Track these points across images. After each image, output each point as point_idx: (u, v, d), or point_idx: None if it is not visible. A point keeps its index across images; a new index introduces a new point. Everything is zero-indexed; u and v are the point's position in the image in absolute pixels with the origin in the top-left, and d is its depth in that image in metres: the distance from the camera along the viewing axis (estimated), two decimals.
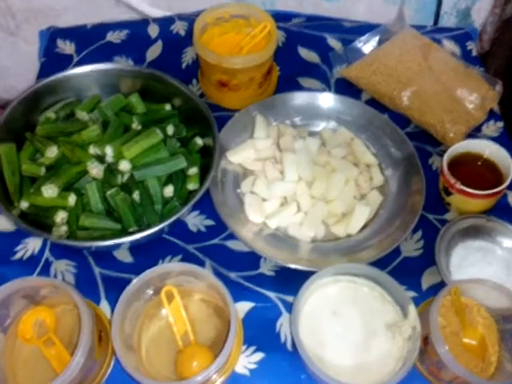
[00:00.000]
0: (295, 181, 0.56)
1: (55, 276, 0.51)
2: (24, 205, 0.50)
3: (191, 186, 0.55)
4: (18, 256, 0.52)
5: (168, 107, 0.60)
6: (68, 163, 0.53)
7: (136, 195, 0.52)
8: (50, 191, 0.49)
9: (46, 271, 0.52)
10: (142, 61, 0.70)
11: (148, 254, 0.52)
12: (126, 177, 0.53)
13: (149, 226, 0.48)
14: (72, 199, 0.50)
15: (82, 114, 0.56)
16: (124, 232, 0.50)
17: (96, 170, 0.51)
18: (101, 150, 0.53)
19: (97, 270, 0.52)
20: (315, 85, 0.68)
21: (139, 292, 0.45)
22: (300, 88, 0.68)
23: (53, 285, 0.44)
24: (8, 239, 0.53)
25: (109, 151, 0.53)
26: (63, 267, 0.52)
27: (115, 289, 0.49)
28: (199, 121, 0.57)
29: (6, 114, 0.52)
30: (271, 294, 0.51)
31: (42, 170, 0.52)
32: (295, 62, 0.71)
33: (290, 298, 0.50)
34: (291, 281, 0.50)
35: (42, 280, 0.45)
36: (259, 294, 0.51)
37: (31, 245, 0.53)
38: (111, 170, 0.53)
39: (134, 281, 0.43)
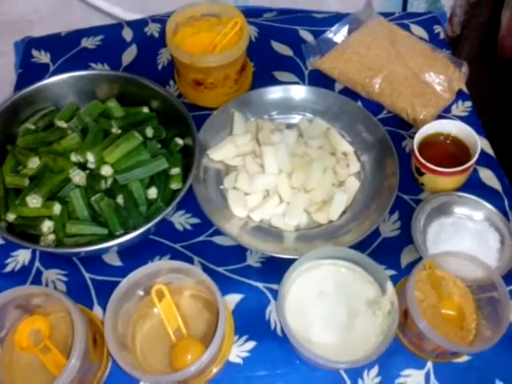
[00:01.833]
0: (275, 173, 0.57)
1: (47, 285, 0.52)
2: (11, 217, 0.51)
3: (174, 185, 0.56)
4: (8, 268, 0.53)
5: (146, 110, 0.61)
6: (50, 172, 0.53)
7: (120, 199, 0.53)
8: (34, 201, 0.50)
9: (37, 281, 0.52)
10: (117, 65, 0.71)
11: (137, 256, 0.54)
12: (109, 182, 0.54)
13: (135, 229, 0.50)
14: (57, 208, 0.51)
15: (61, 123, 0.56)
16: (111, 236, 0.51)
17: (78, 177, 0.52)
18: (82, 157, 0.54)
19: (87, 276, 0.53)
20: (290, 78, 0.70)
21: (129, 293, 0.46)
22: (276, 82, 0.69)
23: (45, 293, 0.45)
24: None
25: (90, 157, 0.54)
26: (54, 276, 0.53)
27: (107, 293, 0.49)
28: (178, 121, 0.58)
29: None
30: (259, 284, 0.52)
31: (26, 181, 0.53)
32: (269, 57, 0.72)
33: (276, 287, 0.52)
34: (277, 270, 0.51)
35: (34, 289, 0.46)
36: (247, 285, 0.52)
37: (21, 257, 0.54)
38: (94, 176, 0.54)
39: (123, 282, 0.44)
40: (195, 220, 0.57)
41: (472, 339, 0.43)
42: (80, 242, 0.50)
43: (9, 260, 0.54)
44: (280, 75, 0.70)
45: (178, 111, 0.58)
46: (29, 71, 0.71)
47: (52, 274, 0.53)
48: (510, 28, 0.79)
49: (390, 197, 0.54)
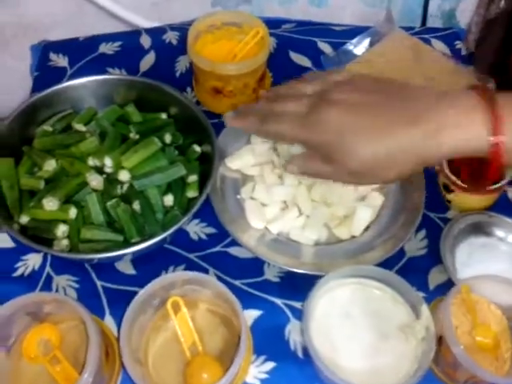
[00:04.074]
0: (295, 185, 0.56)
1: (57, 291, 0.50)
2: (24, 219, 0.49)
3: (191, 193, 0.55)
4: (18, 273, 0.52)
5: (164, 116, 0.60)
6: (66, 176, 0.52)
7: (136, 205, 0.51)
8: (51, 204, 0.48)
9: (47, 287, 0.51)
10: (135, 71, 0.70)
11: (150, 265, 0.52)
12: (125, 187, 0.53)
13: (151, 236, 0.48)
14: (73, 212, 0.49)
15: (79, 126, 0.55)
16: (126, 243, 0.49)
17: (96, 181, 0.51)
18: (100, 161, 0.52)
19: (99, 284, 0.51)
20: None
21: (145, 304, 0.44)
22: None
23: (58, 300, 0.44)
24: (7, 256, 0.52)
25: (108, 162, 0.52)
26: (64, 282, 0.51)
27: (119, 302, 0.49)
28: (196, 128, 0.57)
29: (3, 129, 0.52)
30: (278, 301, 0.50)
31: (42, 184, 0.51)
32: (287, 67, 0.71)
33: (297, 304, 0.50)
34: (297, 286, 0.50)
35: (47, 296, 0.44)
36: (265, 300, 0.50)
37: (31, 261, 0.52)
38: (110, 181, 0.52)
39: (140, 293, 0.43)
40: (211, 230, 0.56)
41: (507, 370, 0.41)
42: (95, 248, 0.48)
43: (19, 264, 0.52)
44: None
45: (196, 118, 0.57)
46: (46, 74, 0.70)
47: (63, 280, 0.51)
48: None
49: (416, 213, 0.53)
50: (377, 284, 0.45)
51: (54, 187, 0.50)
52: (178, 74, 0.71)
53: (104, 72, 0.70)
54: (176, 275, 0.46)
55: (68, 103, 0.59)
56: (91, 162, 0.53)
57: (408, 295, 0.44)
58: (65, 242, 0.49)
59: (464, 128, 0.36)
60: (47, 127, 0.55)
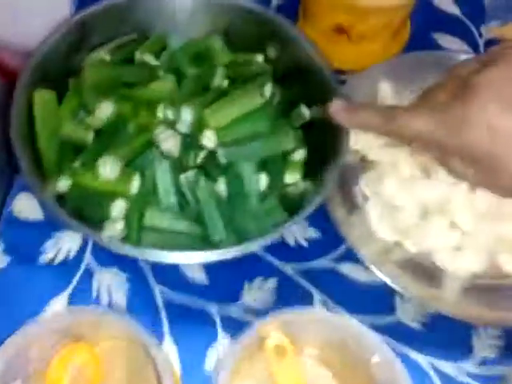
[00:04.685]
0: (449, 182, 0.38)
1: (98, 291, 0.36)
2: (64, 184, 0.34)
3: (291, 177, 0.38)
4: (46, 258, 0.36)
5: (260, 59, 0.43)
6: (124, 128, 0.36)
7: (221, 185, 0.35)
8: (108, 169, 0.32)
9: (85, 282, 0.36)
10: None
11: (230, 274, 0.36)
12: (201, 155, 0.37)
13: (240, 235, 0.32)
14: (135, 184, 0.33)
15: (149, 58, 0.38)
16: (204, 239, 0.33)
17: (171, 141, 0.34)
18: (174, 113, 0.36)
19: (157, 289, 0.36)
20: (457, 44, 0.49)
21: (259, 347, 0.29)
22: (437, 47, 0.49)
23: (103, 319, 0.29)
24: (35, 231, 0.37)
25: (186, 115, 0.35)
26: (110, 279, 0.36)
27: (183, 320, 0.34)
28: (308, 82, 0.40)
29: (42, 53, 0.35)
30: (420, 359, 0.34)
31: (90, 136, 0.35)
32: (429, 13, 0.52)
33: (447, 367, 0.34)
34: (447, 338, 0.34)
35: (87, 313, 0.29)
36: (401, 354, 0.34)
37: (66, 242, 0.37)
38: (186, 145, 0.36)
39: (247, 335, 0.27)
40: (314, 233, 0.39)
41: None
42: (160, 241, 0.32)
43: (48, 243, 0.37)
44: (442, 39, 0.50)
45: (312, 66, 0.39)
46: None
47: (107, 277, 0.36)
48: None
49: None
50: None
51: (109, 144, 0.34)
52: (274, 4, 0.52)
53: None
54: (302, 313, 0.30)
55: (130, 25, 0.41)
56: (161, 112, 0.36)
57: None
58: (119, 226, 0.33)
59: None
60: (104, 54, 0.38)
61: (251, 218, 0.34)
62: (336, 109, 0.35)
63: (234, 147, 0.35)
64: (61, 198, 0.34)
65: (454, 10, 0.52)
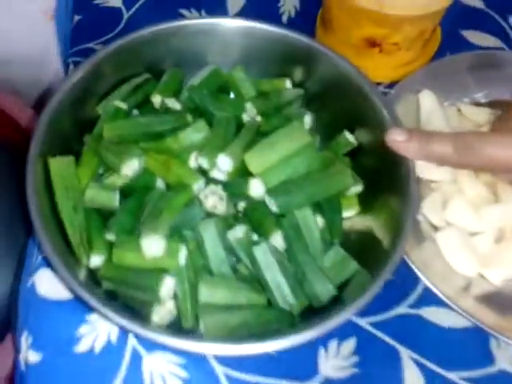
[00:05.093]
0: None
1: (152, 382, 0.30)
2: (96, 260, 0.29)
3: (348, 212, 0.34)
4: (84, 345, 0.31)
5: (288, 84, 0.38)
6: (152, 185, 0.31)
7: (278, 239, 0.30)
8: (154, 247, 0.27)
9: (133, 373, 0.30)
10: (222, 12, 0.48)
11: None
12: (241, 205, 0.32)
13: (311, 296, 0.28)
14: (183, 254, 0.28)
15: (172, 102, 0.33)
16: (270, 308, 0.29)
17: (213, 198, 0.29)
18: (209, 162, 0.31)
19: (220, 371, 0.30)
20: (488, 41, 0.46)
21: None
22: (469, 46, 0.45)
23: None
24: (65, 314, 0.31)
25: (224, 163, 0.31)
26: (164, 367, 0.30)
27: None
28: (343, 101, 0.36)
29: (51, 110, 0.30)
30: None
31: (116, 198, 0.30)
32: (455, 10, 0.48)
33: None
34: None
35: None
36: None
37: (102, 325, 0.32)
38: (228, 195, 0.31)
39: None
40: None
41: None
42: (219, 319, 0.28)
43: (83, 328, 0.32)
44: (472, 36, 0.46)
45: (349, 84, 0.35)
46: (90, 18, 0.48)
47: (160, 364, 0.31)
48: None
49: None
50: None
51: (139, 205, 0.29)
52: (285, 19, 0.48)
53: (176, 16, 0.48)
54: None
55: (140, 64, 0.37)
56: (194, 161, 0.32)
57: None
58: (169, 306, 0.28)
59: None
60: (119, 103, 0.33)
61: (319, 273, 0.30)
62: (396, 138, 0.30)
63: (285, 194, 0.31)
64: (90, 275, 0.29)
65: (477, 3, 0.49)
